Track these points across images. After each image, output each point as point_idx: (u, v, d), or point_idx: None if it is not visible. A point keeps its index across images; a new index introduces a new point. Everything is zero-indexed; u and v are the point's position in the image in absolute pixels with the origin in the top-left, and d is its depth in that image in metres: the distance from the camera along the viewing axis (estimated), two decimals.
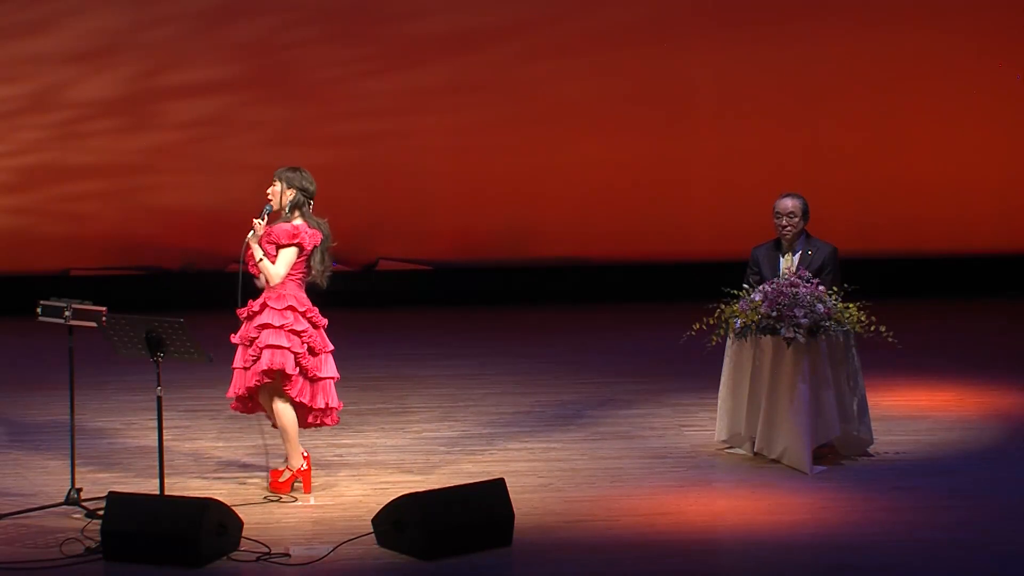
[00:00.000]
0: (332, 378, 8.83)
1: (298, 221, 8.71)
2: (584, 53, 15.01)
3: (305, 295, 8.77)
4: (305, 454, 8.88)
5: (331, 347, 8.81)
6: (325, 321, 8.79)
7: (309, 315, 8.72)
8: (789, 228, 9.56)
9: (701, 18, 15.06)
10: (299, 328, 8.66)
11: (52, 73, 14.83)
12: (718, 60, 15.06)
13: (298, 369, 8.67)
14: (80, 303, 8.45)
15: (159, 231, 14.97)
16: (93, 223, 14.99)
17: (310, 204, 8.76)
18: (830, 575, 7.61)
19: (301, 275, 8.74)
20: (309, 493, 8.82)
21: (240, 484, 9.01)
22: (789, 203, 9.59)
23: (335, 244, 8.85)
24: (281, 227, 8.70)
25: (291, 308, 8.66)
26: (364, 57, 14.99)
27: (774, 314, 9.07)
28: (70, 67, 14.83)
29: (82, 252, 14.96)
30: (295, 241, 8.63)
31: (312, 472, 8.91)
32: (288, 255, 8.64)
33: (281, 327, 8.62)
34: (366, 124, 15.04)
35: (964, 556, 7.76)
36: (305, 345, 8.69)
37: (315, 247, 8.71)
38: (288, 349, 8.63)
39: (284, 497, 8.74)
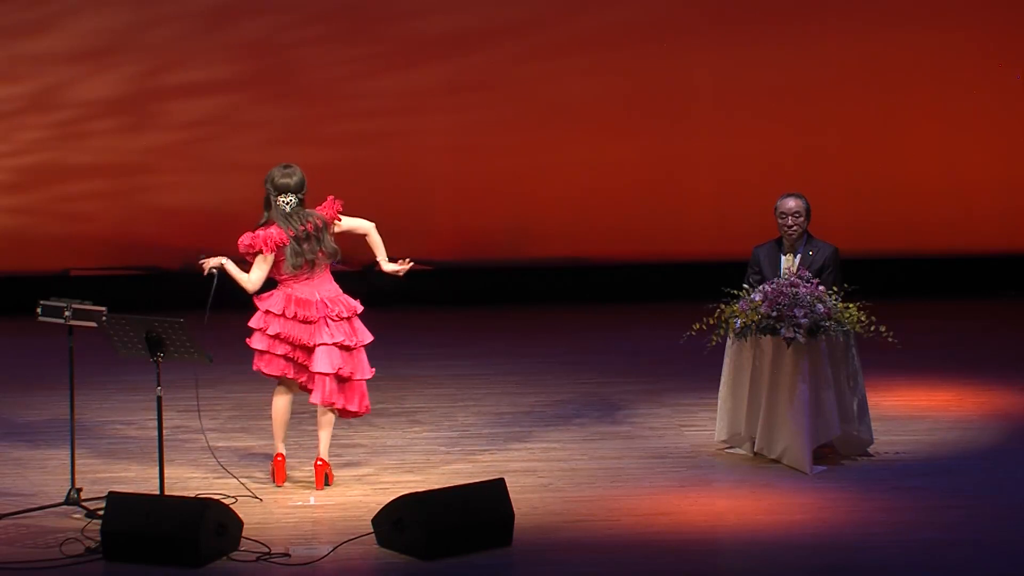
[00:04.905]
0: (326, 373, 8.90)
1: (262, 221, 8.86)
2: (584, 53, 15.01)
3: (287, 293, 8.87)
4: (277, 452, 9.05)
5: (331, 341, 8.86)
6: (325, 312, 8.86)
7: (290, 315, 8.84)
8: (795, 228, 9.56)
9: (701, 18, 15.06)
10: (272, 332, 8.83)
11: (52, 73, 14.83)
12: (718, 60, 15.06)
13: (287, 370, 8.90)
14: (80, 303, 8.45)
15: (159, 231, 14.97)
16: (93, 223, 14.99)
17: (281, 199, 8.82)
18: (830, 575, 7.61)
19: (281, 275, 8.88)
20: (280, 484, 8.98)
21: (240, 484, 9.01)
22: (792, 203, 9.58)
23: (333, 230, 8.92)
24: (242, 238, 8.88)
25: (268, 312, 8.86)
26: (364, 57, 15.00)
27: (774, 314, 9.07)
28: (70, 67, 14.83)
29: (82, 252, 14.96)
30: (252, 251, 8.82)
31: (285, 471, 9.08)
32: (257, 262, 8.83)
33: (256, 329, 8.87)
34: (366, 124, 15.04)
35: (964, 556, 7.75)
36: (283, 347, 8.85)
37: (282, 244, 8.80)
38: (266, 352, 8.87)
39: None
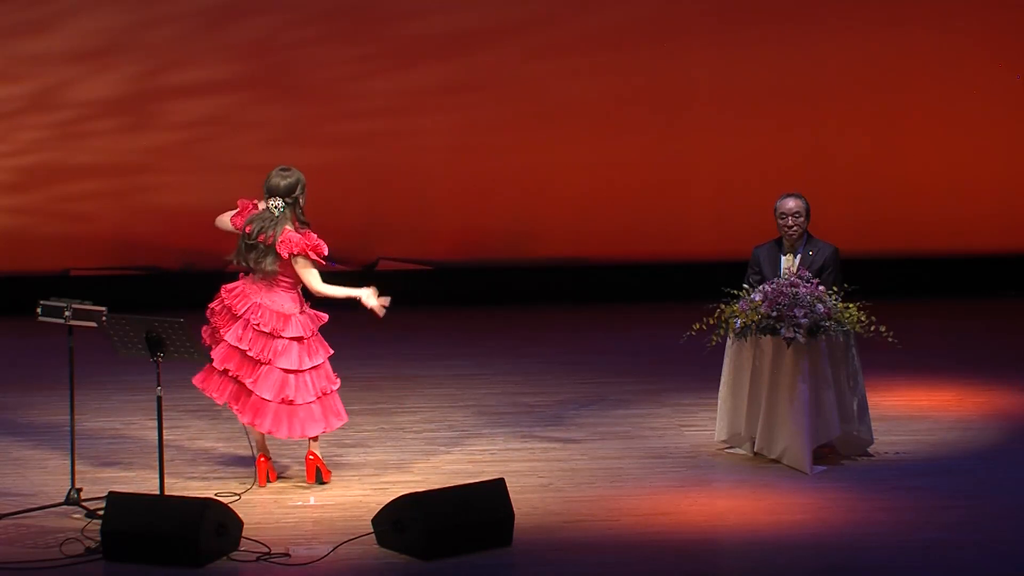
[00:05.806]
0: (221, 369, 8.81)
1: None
2: (584, 53, 15.00)
3: (237, 281, 8.89)
4: (259, 454, 8.99)
5: (231, 342, 8.76)
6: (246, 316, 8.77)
7: (226, 301, 8.85)
8: (796, 228, 9.56)
9: (701, 18, 15.06)
10: (212, 305, 8.90)
11: (52, 73, 14.82)
12: (718, 60, 15.05)
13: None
14: (80, 303, 8.45)
15: (159, 231, 14.96)
16: (93, 223, 14.98)
17: (270, 202, 8.78)
18: (830, 575, 7.61)
19: None
20: (262, 485, 8.93)
21: (240, 484, 9.02)
22: (792, 203, 9.59)
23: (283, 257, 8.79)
24: None
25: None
26: (364, 57, 14.99)
27: (774, 314, 9.07)
28: (70, 67, 14.82)
29: (82, 252, 14.96)
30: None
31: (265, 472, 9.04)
32: None
33: None
34: (366, 124, 15.04)
35: (964, 556, 7.76)
36: (214, 322, 8.89)
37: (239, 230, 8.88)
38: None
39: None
